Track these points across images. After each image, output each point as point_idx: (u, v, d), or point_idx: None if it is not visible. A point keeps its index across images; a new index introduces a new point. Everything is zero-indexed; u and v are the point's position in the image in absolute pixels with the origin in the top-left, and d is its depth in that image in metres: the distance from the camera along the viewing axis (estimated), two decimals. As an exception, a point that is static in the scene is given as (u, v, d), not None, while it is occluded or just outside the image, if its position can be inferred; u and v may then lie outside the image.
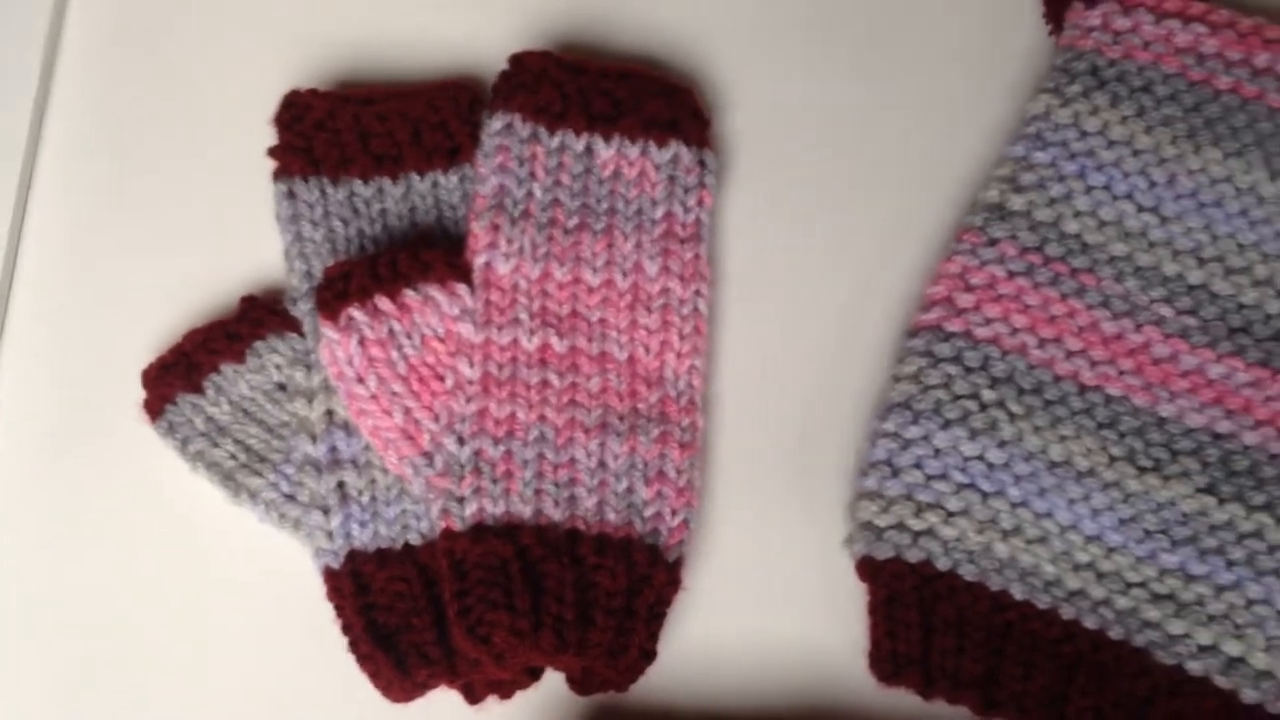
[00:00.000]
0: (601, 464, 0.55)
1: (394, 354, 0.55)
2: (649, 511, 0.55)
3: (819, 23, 0.64)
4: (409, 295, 0.55)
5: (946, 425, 0.55)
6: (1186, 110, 0.58)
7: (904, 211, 0.61)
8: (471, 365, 0.55)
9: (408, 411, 0.54)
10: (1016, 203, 0.58)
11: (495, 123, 0.58)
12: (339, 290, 0.55)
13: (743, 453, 0.59)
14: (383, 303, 0.55)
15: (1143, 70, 0.58)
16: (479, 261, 0.57)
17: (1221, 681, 0.52)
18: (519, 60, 0.59)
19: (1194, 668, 0.52)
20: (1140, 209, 0.58)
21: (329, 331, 0.54)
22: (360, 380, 0.54)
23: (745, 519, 0.58)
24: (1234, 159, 0.58)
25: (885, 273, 0.61)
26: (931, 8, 0.64)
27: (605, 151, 0.58)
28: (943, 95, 0.62)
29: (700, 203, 0.59)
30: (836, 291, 0.61)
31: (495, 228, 0.57)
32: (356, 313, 0.54)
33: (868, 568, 0.55)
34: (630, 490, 0.55)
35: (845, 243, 0.61)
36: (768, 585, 0.57)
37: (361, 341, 0.54)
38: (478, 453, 0.54)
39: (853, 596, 0.56)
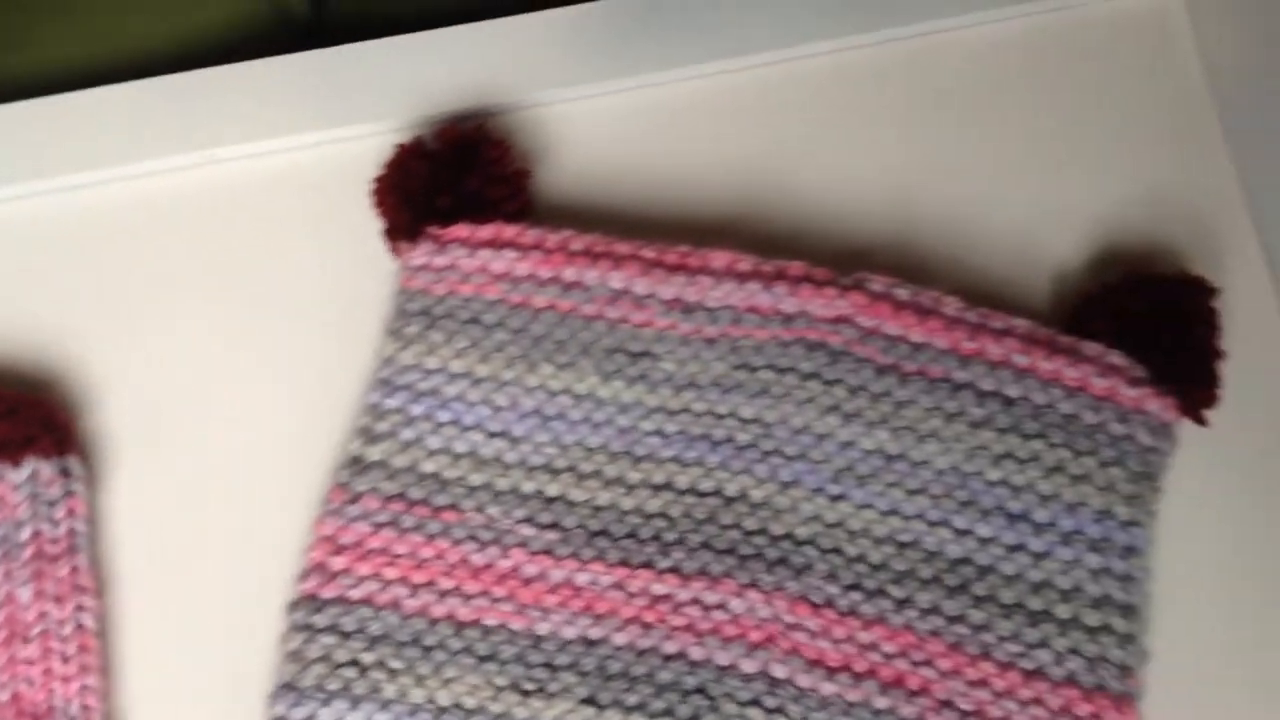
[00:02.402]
0: None
1: None
2: None
3: (179, 283, 0.64)
4: None
5: (328, 700, 0.56)
6: (514, 333, 0.60)
7: (296, 475, 0.62)
8: None
9: None
10: (374, 453, 0.59)
11: None
12: None
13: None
14: None
15: (468, 302, 0.61)
16: None
17: None
18: None
19: None
20: (490, 435, 0.60)
21: None
22: None
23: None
24: (566, 370, 0.60)
25: (287, 540, 0.61)
26: (291, 255, 0.64)
27: (-45, 489, 0.57)
28: (318, 349, 0.63)
29: (71, 513, 0.59)
30: (244, 565, 0.61)
31: None
32: None
33: None
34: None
35: (243, 516, 0.61)
36: None
37: None
38: None
39: None
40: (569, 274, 0.61)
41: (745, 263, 0.61)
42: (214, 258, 0.65)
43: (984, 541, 0.58)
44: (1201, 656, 0.59)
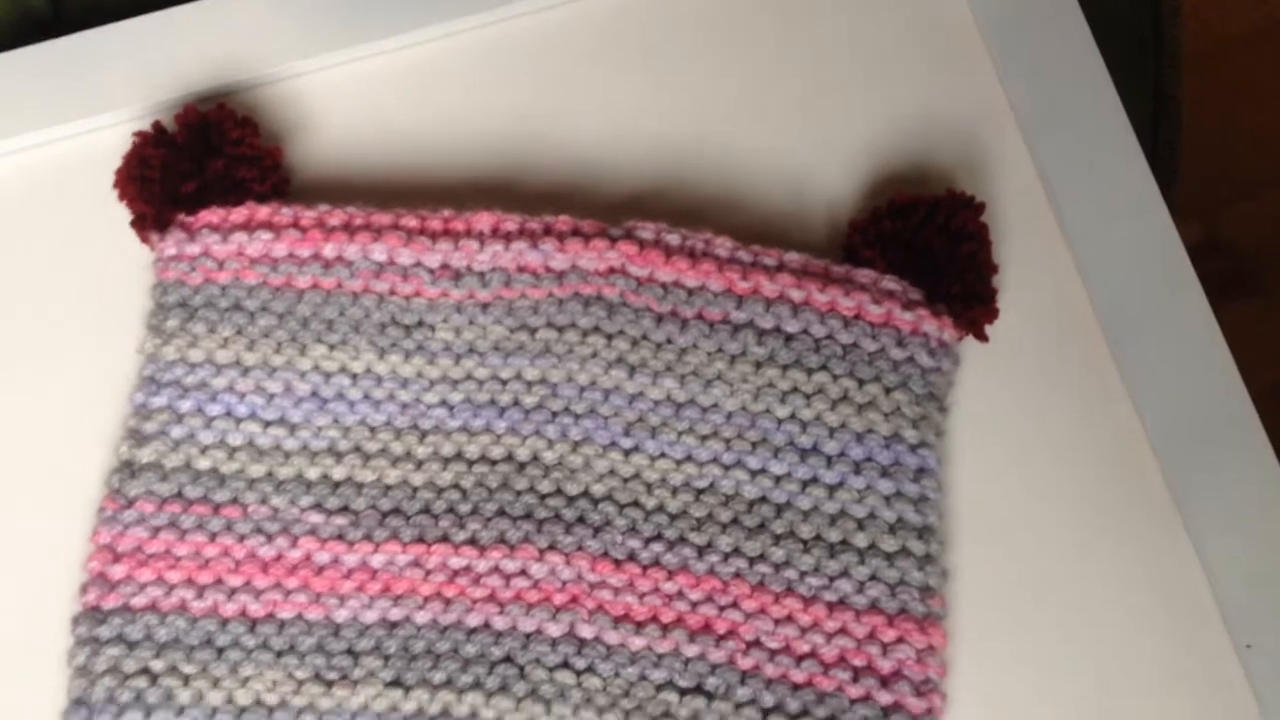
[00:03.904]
0: None
1: None
2: None
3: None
4: None
5: (121, 712, 0.54)
6: (280, 317, 0.58)
7: (70, 484, 0.59)
8: None
9: None
10: (144, 455, 0.57)
11: None
12: None
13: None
14: None
15: (226, 290, 0.59)
16: None
17: None
18: None
19: None
20: (267, 424, 0.58)
21: None
22: None
23: None
24: (339, 349, 0.59)
25: (66, 554, 0.58)
26: (43, 256, 0.62)
27: None
28: (80, 352, 0.60)
29: None
30: (22, 582, 0.58)
31: None
32: None
33: None
34: None
35: (16, 532, 0.58)
36: None
37: None
38: None
39: None
40: (329, 250, 0.59)
41: (510, 222, 0.60)
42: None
43: (778, 479, 0.58)
44: (1000, 568, 0.60)
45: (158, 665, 0.55)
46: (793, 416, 0.58)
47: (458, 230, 0.59)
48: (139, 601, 0.55)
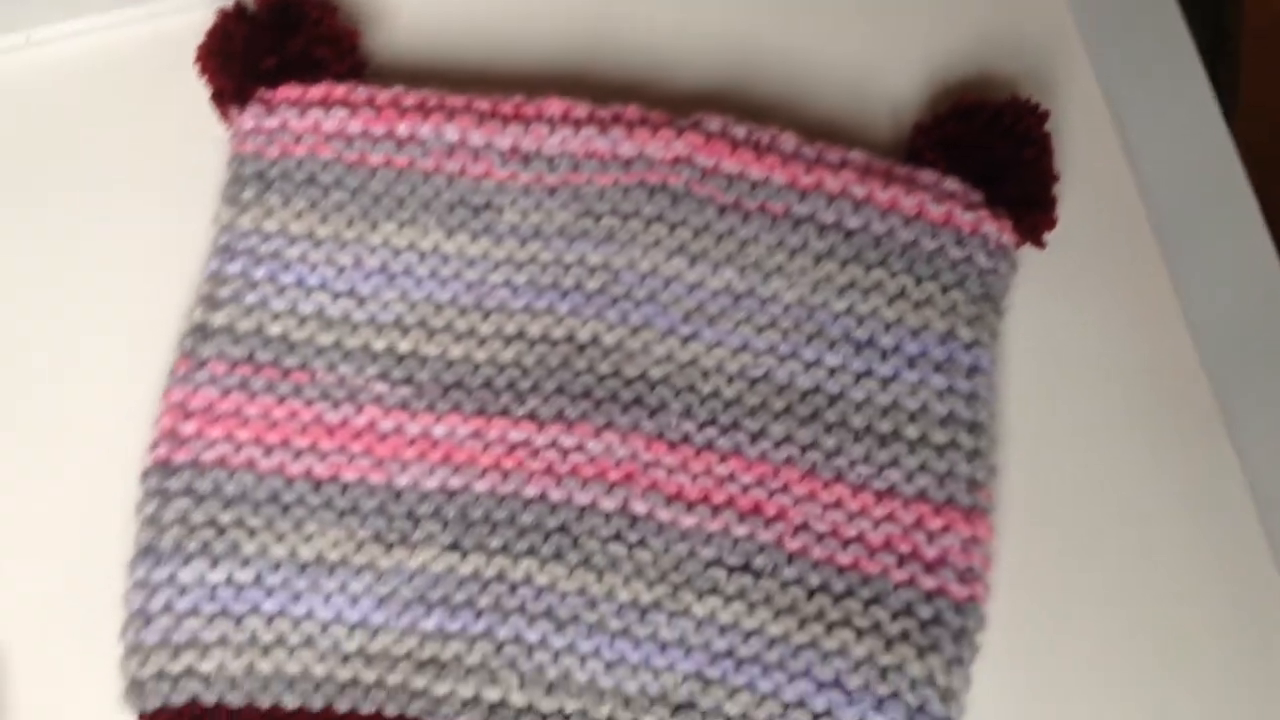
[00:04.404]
0: None
1: None
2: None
3: (9, 169, 0.63)
4: None
5: (188, 560, 0.56)
6: (353, 192, 0.60)
7: (144, 347, 0.61)
8: None
9: None
10: (217, 319, 0.59)
11: None
12: None
13: (32, 639, 0.57)
14: None
15: (302, 164, 0.60)
16: None
17: None
18: None
19: None
20: (337, 295, 0.59)
21: None
22: None
23: (44, 705, 0.57)
24: (410, 227, 0.60)
25: (137, 414, 0.60)
26: (122, 132, 0.63)
27: None
28: (158, 222, 0.62)
29: None
30: (95, 441, 0.60)
31: None
32: None
33: (144, 723, 0.55)
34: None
35: (90, 391, 0.60)
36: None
37: None
38: None
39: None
40: (402, 129, 0.60)
41: (580, 109, 0.61)
42: (43, 141, 0.64)
43: (833, 371, 0.59)
44: (1044, 473, 0.61)
45: (225, 518, 0.56)
46: (849, 310, 0.59)
47: (529, 115, 0.61)
48: (208, 457, 0.57)
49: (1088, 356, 0.62)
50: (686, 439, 0.58)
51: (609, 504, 0.57)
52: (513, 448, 0.58)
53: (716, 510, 0.57)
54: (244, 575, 0.56)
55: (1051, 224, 0.61)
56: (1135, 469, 0.61)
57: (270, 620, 0.56)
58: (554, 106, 0.61)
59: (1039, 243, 0.61)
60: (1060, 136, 0.63)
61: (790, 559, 0.57)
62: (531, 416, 0.58)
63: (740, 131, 0.60)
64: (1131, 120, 0.64)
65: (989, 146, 0.61)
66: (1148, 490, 0.61)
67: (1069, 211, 0.63)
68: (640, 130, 0.60)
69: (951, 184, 0.60)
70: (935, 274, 0.59)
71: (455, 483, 0.58)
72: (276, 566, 0.56)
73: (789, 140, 0.60)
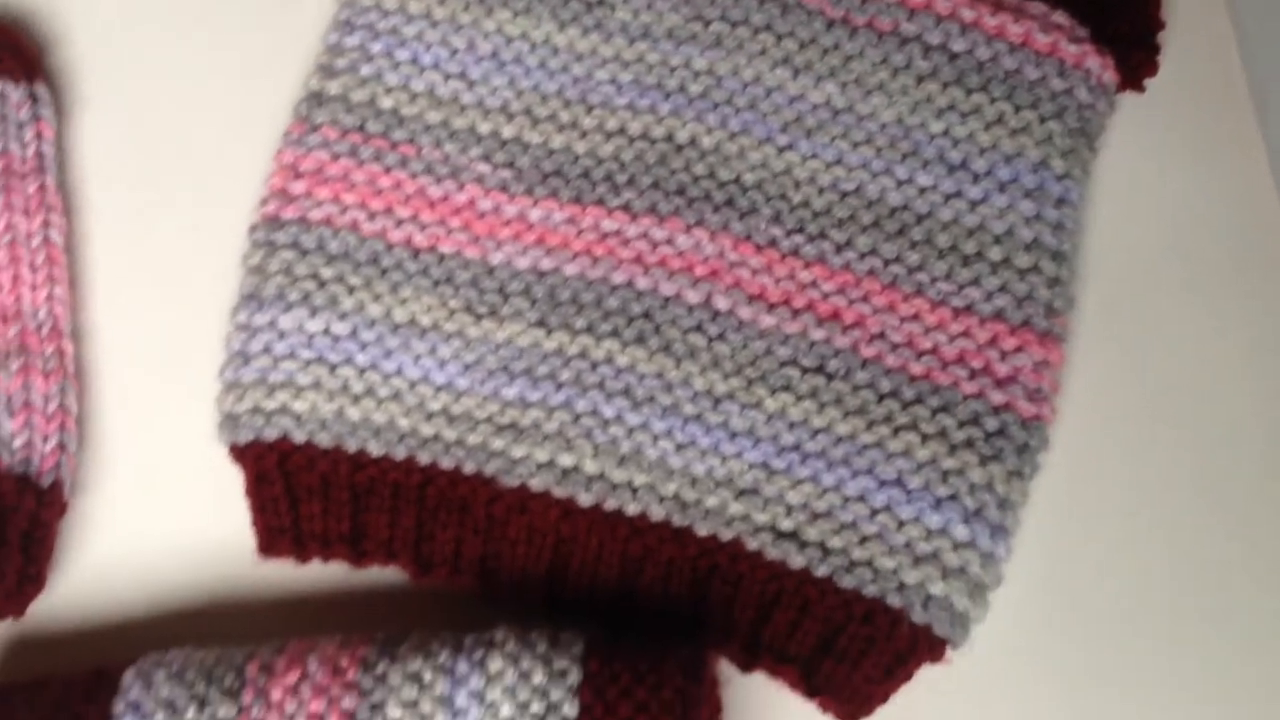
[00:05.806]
0: None
1: None
2: (18, 443, 0.57)
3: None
4: None
5: (289, 308, 0.58)
6: (473, -24, 0.62)
7: (257, 113, 0.63)
8: None
9: None
10: (333, 88, 0.61)
11: None
12: None
13: (130, 371, 0.61)
14: None
15: (424, -56, 0.62)
16: None
17: (559, 492, 0.57)
18: None
19: (535, 484, 0.57)
20: (448, 77, 0.61)
21: None
22: None
23: (138, 431, 0.60)
24: (523, 17, 0.62)
25: (249, 174, 0.63)
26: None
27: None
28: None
29: (39, 135, 0.60)
30: (205, 202, 0.62)
31: None
32: None
33: (236, 454, 0.58)
34: (-1, 426, 0.57)
35: (205, 151, 0.63)
36: (166, 491, 0.60)
37: None
38: None
39: (238, 485, 0.59)
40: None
41: (699, -87, 0.62)
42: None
43: (923, 190, 0.60)
44: (1119, 316, 0.62)
45: (326, 273, 0.59)
46: (946, 132, 0.60)
47: (646, -83, 0.62)
48: (315, 215, 0.60)
49: (1171, 211, 0.63)
50: (773, 243, 0.59)
51: (693, 297, 0.59)
52: (604, 236, 0.60)
53: (796, 313, 0.59)
54: (341, 327, 0.58)
55: (1154, 69, 0.62)
56: (1212, 323, 0.61)
57: (362, 372, 0.58)
58: (673, -89, 0.62)
59: (1139, 86, 0.62)
60: (1166, -4, 0.63)
61: (864, 364, 0.58)
62: (625, 208, 0.60)
63: (854, -54, 0.61)
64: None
65: (1099, -15, 0.61)
66: (1223, 344, 0.61)
67: (1169, 63, 0.63)
68: None
69: (1060, 17, 0.61)
70: (1035, 103, 0.60)
71: (547, 264, 0.59)
72: (371, 324, 0.58)
73: (902, -42, 0.61)
